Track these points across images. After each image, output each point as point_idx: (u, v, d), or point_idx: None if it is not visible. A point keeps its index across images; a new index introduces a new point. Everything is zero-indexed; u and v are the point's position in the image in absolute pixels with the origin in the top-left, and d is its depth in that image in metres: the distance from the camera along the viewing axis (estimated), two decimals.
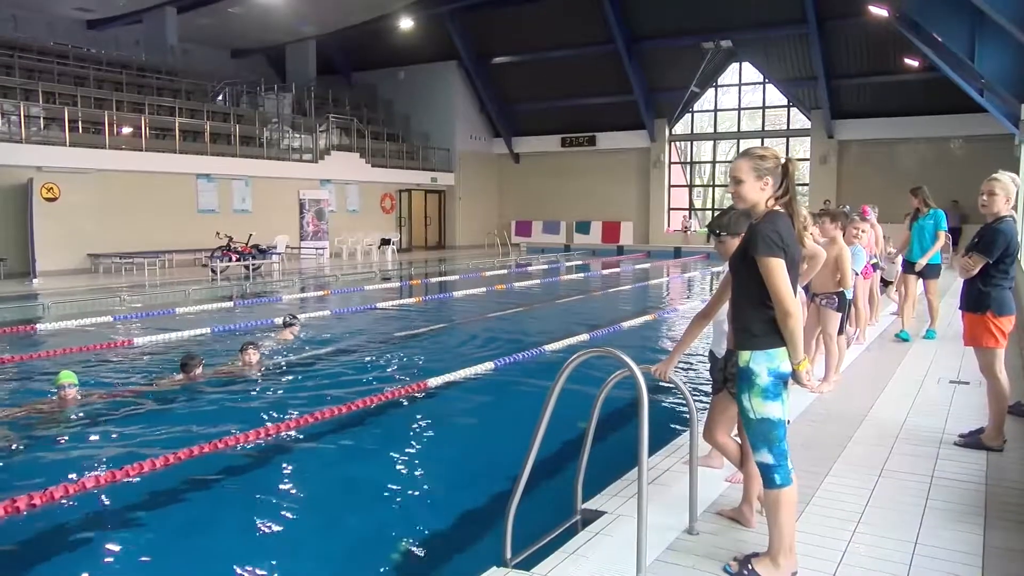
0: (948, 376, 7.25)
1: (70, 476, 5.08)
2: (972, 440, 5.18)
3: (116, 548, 4.35)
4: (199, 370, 7.87)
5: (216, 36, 28.72)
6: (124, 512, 4.79)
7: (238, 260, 19.40)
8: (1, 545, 4.30)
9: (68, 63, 23.08)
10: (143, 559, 4.21)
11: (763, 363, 3.25)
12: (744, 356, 3.29)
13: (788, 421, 5.13)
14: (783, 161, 3.34)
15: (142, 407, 7.09)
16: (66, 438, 6.26)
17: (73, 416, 6.74)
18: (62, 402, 6.87)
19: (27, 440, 6.17)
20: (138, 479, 5.15)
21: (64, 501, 4.77)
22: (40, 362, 9.05)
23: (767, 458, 3.32)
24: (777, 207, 3.32)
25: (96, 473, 5.12)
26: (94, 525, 4.61)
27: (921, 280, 9.49)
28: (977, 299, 5.11)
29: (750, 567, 3.36)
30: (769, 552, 3.37)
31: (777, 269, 3.14)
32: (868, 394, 6.68)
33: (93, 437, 6.30)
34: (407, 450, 6.06)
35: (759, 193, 3.31)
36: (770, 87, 28.44)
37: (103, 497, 4.92)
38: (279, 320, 10.91)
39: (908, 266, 9.51)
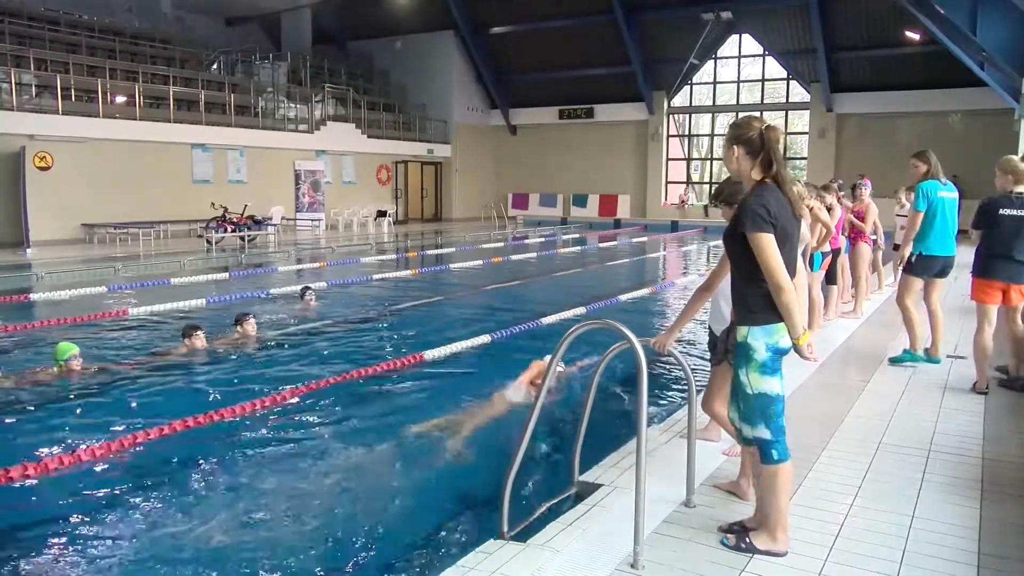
0: (945, 350, 7.23)
1: (66, 447, 5.08)
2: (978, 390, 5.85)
3: (108, 521, 4.34)
4: (200, 342, 7.81)
5: (210, 3, 28.32)
6: (119, 484, 4.78)
7: (233, 231, 19.30)
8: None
9: (59, 29, 22.75)
10: (140, 528, 4.20)
11: (761, 339, 3.22)
12: (742, 331, 3.27)
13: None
14: (762, 129, 3.24)
15: (141, 378, 7.07)
16: (66, 409, 6.26)
17: (73, 386, 6.72)
18: (68, 373, 6.85)
19: (26, 410, 6.16)
20: (136, 450, 5.16)
21: (59, 472, 4.77)
22: (35, 332, 9.01)
23: (764, 433, 3.31)
24: (766, 179, 3.25)
25: (92, 444, 5.11)
26: (90, 495, 4.60)
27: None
28: (973, 262, 5.99)
29: (748, 541, 3.37)
30: (767, 527, 3.37)
31: (766, 244, 3.09)
32: (865, 367, 6.68)
33: (93, 408, 6.27)
34: (402, 423, 6.04)
35: (733, 163, 3.30)
36: (769, 59, 28.20)
37: (98, 469, 4.93)
38: (297, 290, 11.25)
39: (932, 264, 6.54)
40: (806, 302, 3.48)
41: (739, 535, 3.41)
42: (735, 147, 3.26)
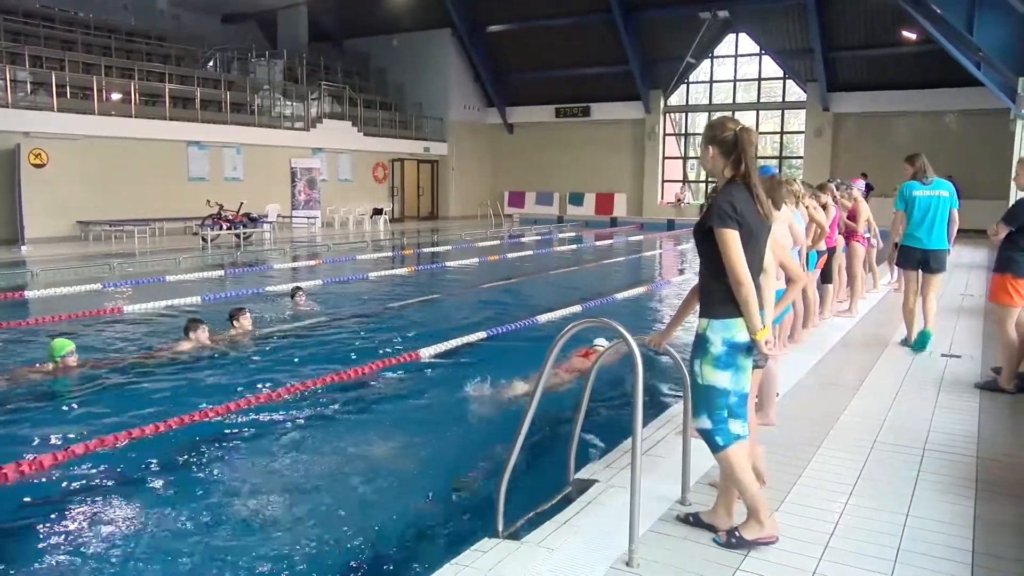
0: (940, 349, 7.26)
1: (61, 444, 5.07)
2: (991, 384, 5.89)
3: (103, 517, 4.33)
4: (204, 335, 7.79)
5: (206, 1, 28.25)
6: (117, 480, 4.77)
7: (229, 229, 19.26)
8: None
9: (55, 27, 22.68)
10: (135, 526, 4.19)
11: (719, 332, 3.29)
12: (702, 324, 3.35)
13: (778, 394, 5.19)
14: (737, 131, 3.31)
15: (137, 374, 7.06)
16: (60, 406, 6.25)
17: (69, 383, 6.72)
18: (64, 370, 6.83)
19: (21, 407, 6.14)
20: (131, 447, 5.15)
21: (54, 469, 4.76)
22: (30, 329, 8.98)
23: (706, 423, 3.38)
24: (736, 178, 3.32)
25: (85, 441, 5.10)
26: (85, 492, 4.59)
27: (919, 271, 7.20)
28: (1001, 261, 5.85)
29: (737, 534, 3.41)
30: (749, 515, 3.42)
31: (730, 240, 3.18)
32: (860, 367, 6.69)
33: (89, 405, 6.26)
34: (398, 420, 6.05)
35: (709, 162, 3.39)
36: (766, 58, 28.21)
37: (95, 466, 4.92)
38: (288, 289, 11.19)
39: (910, 255, 7.14)
40: (773, 301, 3.54)
41: (728, 531, 3.44)
42: (710, 147, 3.36)
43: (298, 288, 10.86)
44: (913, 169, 7.07)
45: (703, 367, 3.34)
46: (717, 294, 3.29)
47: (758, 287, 3.33)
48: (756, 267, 3.30)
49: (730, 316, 3.27)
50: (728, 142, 3.30)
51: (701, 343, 3.35)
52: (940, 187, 7.00)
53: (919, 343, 7.19)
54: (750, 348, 3.31)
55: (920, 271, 7.13)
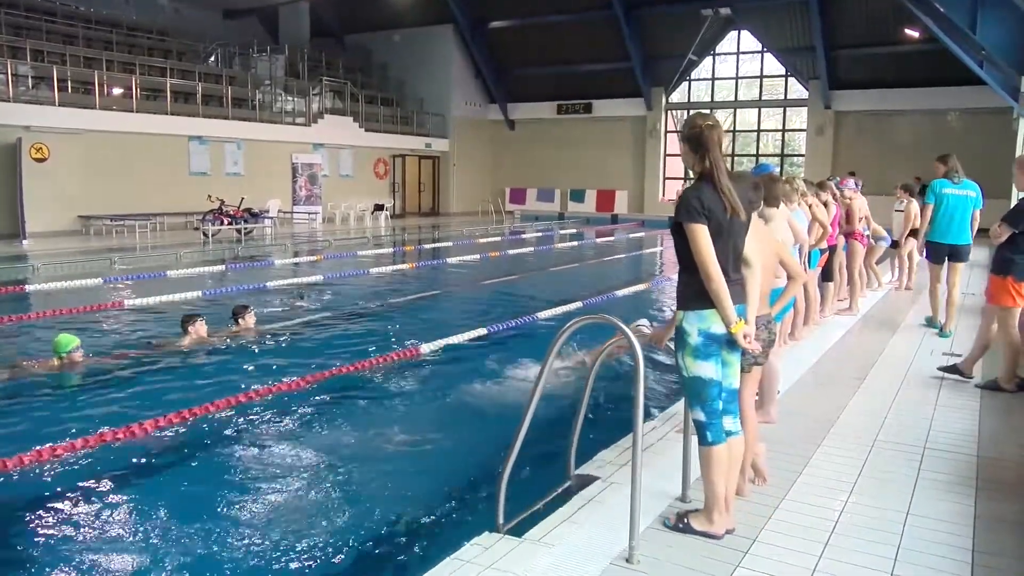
0: (941, 349, 7.27)
1: (61, 439, 5.08)
2: (991, 383, 5.91)
3: (105, 512, 4.34)
4: (203, 328, 7.77)
5: None
6: (115, 476, 4.77)
7: (230, 224, 19.27)
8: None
9: (56, 20, 22.67)
10: (134, 522, 4.20)
11: (694, 323, 3.32)
12: (679, 316, 3.39)
13: (779, 391, 5.19)
14: (703, 127, 3.33)
15: (140, 370, 7.06)
16: (64, 400, 6.27)
17: (72, 379, 6.73)
18: (69, 366, 6.83)
19: (23, 402, 6.14)
20: (134, 442, 5.15)
21: (54, 464, 4.77)
22: (31, 323, 8.98)
23: (699, 415, 3.42)
24: (704, 175, 3.35)
25: (85, 436, 5.11)
26: (84, 487, 4.59)
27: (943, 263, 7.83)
28: (1002, 263, 5.78)
29: (685, 521, 3.50)
30: (704, 508, 3.49)
31: (698, 235, 3.21)
32: (861, 365, 6.70)
33: (92, 399, 6.27)
34: (398, 416, 6.05)
35: (684, 158, 3.43)
36: (768, 56, 28.15)
37: (94, 460, 4.92)
38: (291, 289, 11.08)
39: (938, 250, 7.75)
40: (756, 297, 3.55)
41: (680, 515, 3.55)
42: (683, 144, 3.40)
43: (301, 295, 10.70)
44: (946, 168, 7.54)
45: (685, 359, 3.37)
46: (691, 288, 3.31)
47: (737, 281, 3.37)
48: (730, 261, 3.33)
49: (703, 307, 3.29)
50: (694, 139, 3.33)
51: (679, 335, 3.40)
52: (968, 187, 7.50)
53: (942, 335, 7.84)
54: (732, 342, 3.32)
55: (948, 261, 7.74)
